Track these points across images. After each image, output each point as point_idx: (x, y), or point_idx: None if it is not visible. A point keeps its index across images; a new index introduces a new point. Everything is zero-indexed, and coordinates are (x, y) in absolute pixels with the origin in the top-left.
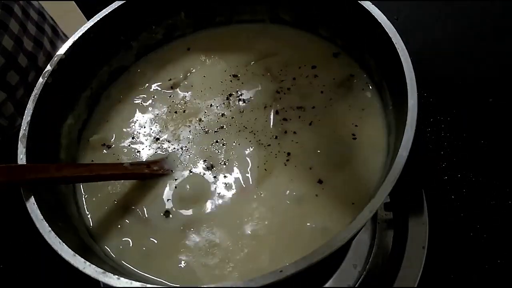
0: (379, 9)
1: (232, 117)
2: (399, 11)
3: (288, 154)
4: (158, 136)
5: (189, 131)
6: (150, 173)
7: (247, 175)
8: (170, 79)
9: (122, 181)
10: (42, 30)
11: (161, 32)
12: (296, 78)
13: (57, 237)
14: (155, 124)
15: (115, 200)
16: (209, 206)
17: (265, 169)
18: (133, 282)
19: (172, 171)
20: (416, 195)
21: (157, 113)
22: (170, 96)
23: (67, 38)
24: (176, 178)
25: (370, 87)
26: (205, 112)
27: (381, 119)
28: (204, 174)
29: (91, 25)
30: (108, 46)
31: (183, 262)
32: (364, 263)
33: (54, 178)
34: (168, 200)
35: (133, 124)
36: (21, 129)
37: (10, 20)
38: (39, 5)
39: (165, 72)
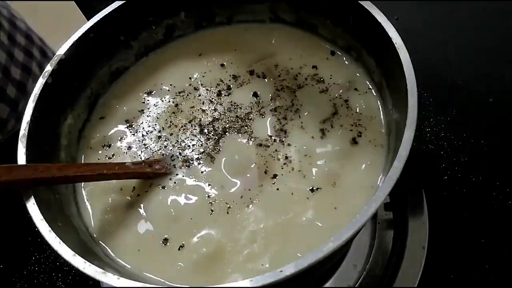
0: (379, 9)
1: (232, 117)
2: (399, 11)
3: (286, 157)
4: (159, 135)
5: (190, 131)
6: (153, 173)
7: (247, 175)
8: (170, 79)
9: (124, 180)
10: (30, 55)
11: (161, 32)
12: (296, 78)
13: (57, 237)
14: (155, 123)
15: (115, 200)
16: (209, 207)
17: (265, 171)
18: (133, 282)
19: (174, 166)
20: (416, 195)
21: (157, 112)
22: (170, 95)
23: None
24: (177, 173)
25: (370, 87)
26: (205, 112)
27: (381, 119)
28: (204, 172)
29: (91, 25)
30: (108, 46)
31: (183, 262)
32: (364, 263)
33: (55, 178)
34: (169, 201)
35: (133, 124)
36: (21, 129)
37: None
38: (26, 27)
39: (165, 72)
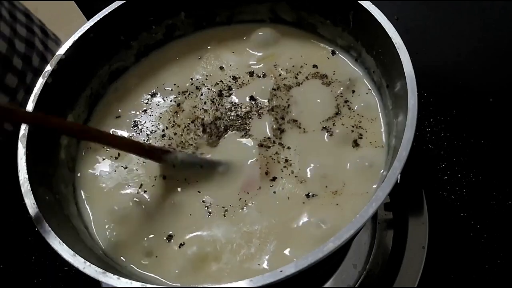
0: (379, 9)
1: (233, 118)
2: (399, 11)
3: (286, 160)
4: (163, 133)
5: (190, 131)
6: (149, 146)
7: (248, 176)
8: (170, 79)
9: (123, 180)
10: (32, 31)
11: (161, 32)
12: (297, 78)
13: (57, 237)
14: (156, 123)
15: (115, 199)
16: (207, 209)
17: (266, 172)
18: (133, 282)
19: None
20: (416, 195)
21: (158, 112)
22: (170, 96)
23: (57, 38)
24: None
25: (370, 87)
26: (205, 112)
27: (381, 119)
28: (204, 172)
29: (91, 25)
30: (108, 46)
31: (183, 261)
32: (364, 263)
33: (75, 130)
34: (170, 201)
35: (133, 124)
36: (21, 129)
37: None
38: (24, 8)
39: (165, 73)
